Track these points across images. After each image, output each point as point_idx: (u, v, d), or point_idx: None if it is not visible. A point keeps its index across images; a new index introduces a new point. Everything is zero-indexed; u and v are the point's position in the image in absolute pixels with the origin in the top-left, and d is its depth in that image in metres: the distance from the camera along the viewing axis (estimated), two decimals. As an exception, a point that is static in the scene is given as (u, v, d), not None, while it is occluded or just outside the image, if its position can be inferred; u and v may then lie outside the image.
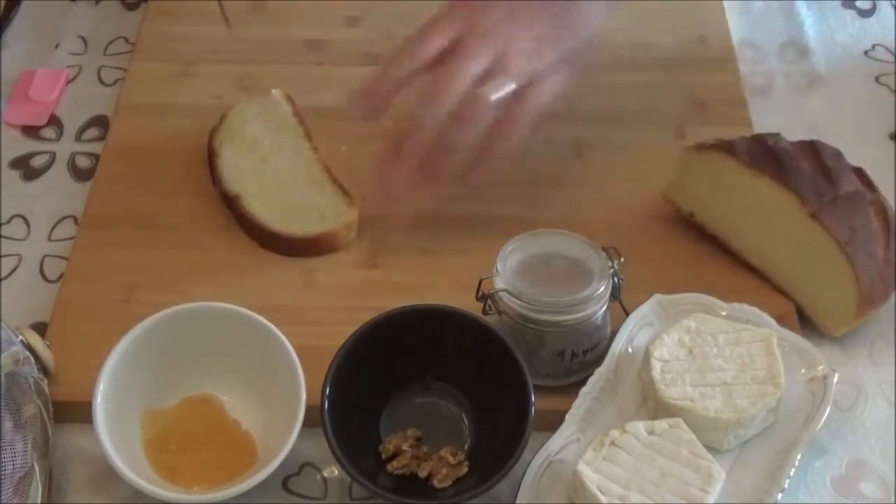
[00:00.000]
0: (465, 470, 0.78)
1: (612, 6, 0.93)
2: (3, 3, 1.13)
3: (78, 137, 1.03)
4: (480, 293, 0.82)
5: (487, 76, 0.85)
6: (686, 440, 0.76)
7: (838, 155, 0.90)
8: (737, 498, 0.76)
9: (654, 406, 0.80)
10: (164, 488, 0.76)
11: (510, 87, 0.85)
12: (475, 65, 0.85)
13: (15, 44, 1.11)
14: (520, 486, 0.76)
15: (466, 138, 0.85)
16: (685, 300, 0.86)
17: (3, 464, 0.73)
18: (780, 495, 0.76)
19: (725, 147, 0.90)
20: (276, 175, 0.94)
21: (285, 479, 0.80)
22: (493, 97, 0.84)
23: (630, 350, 0.84)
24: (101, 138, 1.02)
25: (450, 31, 0.86)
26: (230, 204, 0.93)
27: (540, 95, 0.87)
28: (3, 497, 0.73)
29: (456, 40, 0.86)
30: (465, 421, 0.81)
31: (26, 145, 1.02)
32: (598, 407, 0.81)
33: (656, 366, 0.80)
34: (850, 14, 1.16)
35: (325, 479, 0.81)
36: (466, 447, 0.80)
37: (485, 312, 0.82)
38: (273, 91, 1.00)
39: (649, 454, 0.75)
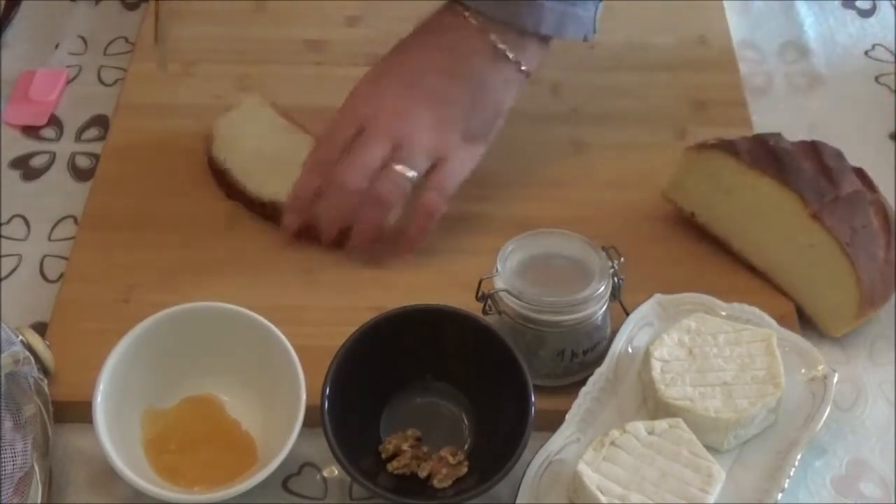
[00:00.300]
0: (465, 470, 0.78)
1: (527, 55, 0.89)
2: (3, 3, 1.13)
3: (78, 137, 1.03)
4: (480, 293, 0.82)
5: (386, 164, 0.87)
6: (686, 440, 0.76)
7: (839, 155, 0.90)
8: (737, 498, 0.76)
9: (654, 406, 0.80)
10: (164, 488, 0.76)
11: (410, 173, 0.87)
12: (373, 154, 0.87)
13: (15, 44, 1.11)
14: (520, 486, 0.76)
15: (379, 219, 0.88)
16: (685, 300, 0.86)
17: (3, 464, 0.73)
18: (780, 495, 0.76)
19: (726, 147, 0.90)
20: (294, 168, 0.94)
21: (285, 479, 0.80)
22: (399, 181, 0.87)
23: (630, 350, 0.84)
24: (101, 138, 1.02)
25: (350, 128, 0.88)
26: (261, 210, 0.93)
27: (444, 179, 0.89)
28: (3, 497, 0.73)
29: (356, 134, 0.88)
30: (465, 421, 0.81)
31: (26, 145, 1.02)
32: (598, 407, 0.81)
33: (656, 366, 0.80)
34: (850, 14, 1.16)
35: (325, 479, 0.81)
36: (466, 447, 0.80)
37: (485, 312, 0.82)
38: (246, 98, 0.99)
39: (649, 454, 0.75)
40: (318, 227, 0.90)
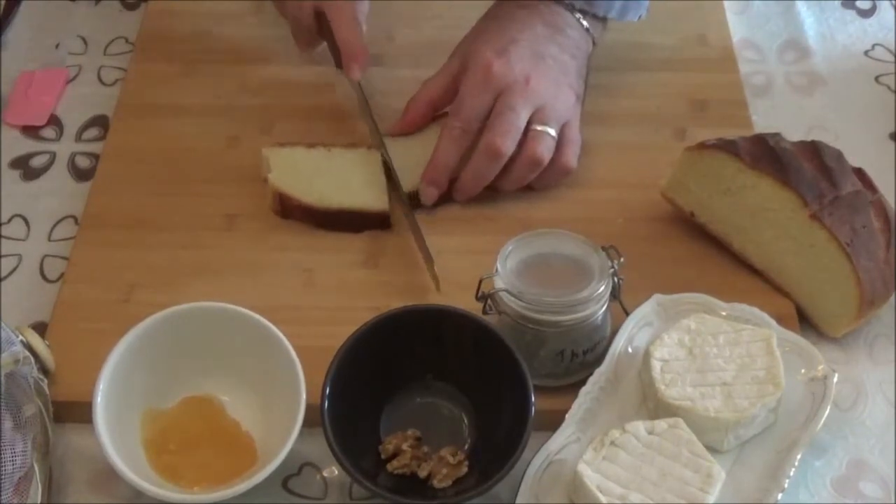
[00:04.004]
0: (465, 470, 0.78)
1: (596, 32, 1.01)
2: (3, 3, 1.13)
3: (78, 137, 1.03)
4: (480, 293, 0.82)
5: (528, 127, 0.93)
6: (686, 440, 0.76)
7: (839, 156, 0.90)
8: (737, 498, 0.76)
9: (654, 406, 0.80)
10: (164, 488, 0.76)
11: (553, 133, 0.94)
12: (522, 119, 0.92)
13: (15, 44, 1.11)
14: (520, 486, 0.76)
15: (530, 178, 0.95)
16: (685, 300, 0.86)
17: (3, 464, 0.73)
18: (780, 495, 0.76)
19: (726, 147, 0.90)
20: (347, 178, 0.95)
21: (285, 479, 0.80)
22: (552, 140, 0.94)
23: (630, 350, 0.84)
24: (101, 138, 1.02)
25: (489, 93, 0.93)
26: (331, 220, 0.93)
27: (573, 136, 0.96)
28: (3, 497, 0.73)
29: (492, 102, 0.93)
30: (465, 421, 0.82)
31: (26, 145, 1.02)
32: (598, 407, 0.81)
33: (656, 366, 0.80)
34: (850, 14, 1.16)
35: (325, 479, 0.81)
36: (466, 447, 0.80)
37: (485, 312, 0.82)
38: (263, 150, 0.96)
39: (649, 454, 0.75)
40: (461, 188, 0.94)
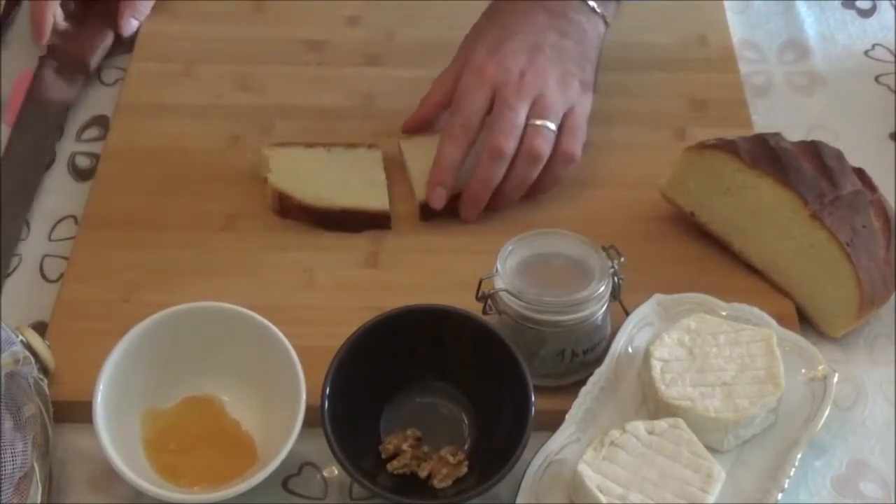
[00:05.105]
0: (465, 470, 0.78)
1: (608, 12, 0.99)
2: (2, 3, 1.13)
3: (78, 137, 1.03)
4: (480, 293, 0.82)
5: (528, 121, 0.92)
6: (686, 440, 0.76)
7: (839, 155, 0.90)
8: (737, 498, 0.76)
9: (654, 406, 0.80)
10: (164, 488, 0.76)
11: (553, 126, 0.93)
12: (521, 115, 0.92)
13: (15, 44, 1.11)
14: (520, 486, 0.76)
15: (532, 174, 0.93)
16: (685, 300, 0.86)
17: (3, 464, 0.73)
18: (780, 495, 0.76)
19: (726, 147, 0.90)
20: (347, 178, 0.95)
21: (285, 479, 0.80)
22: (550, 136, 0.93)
23: (630, 350, 0.84)
24: (101, 138, 1.02)
25: (484, 92, 0.92)
26: (331, 220, 0.93)
27: (577, 127, 0.95)
28: (3, 497, 0.73)
29: (490, 98, 0.92)
30: (465, 421, 0.81)
31: (26, 145, 1.02)
32: (598, 407, 0.81)
33: (656, 366, 0.80)
34: (850, 14, 1.16)
35: (325, 479, 0.81)
36: (466, 447, 0.80)
37: (485, 312, 0.82)
38: (263, 150, 0.97)
39: (649, 454, 0.75)
40: (470, 197, 0.93)
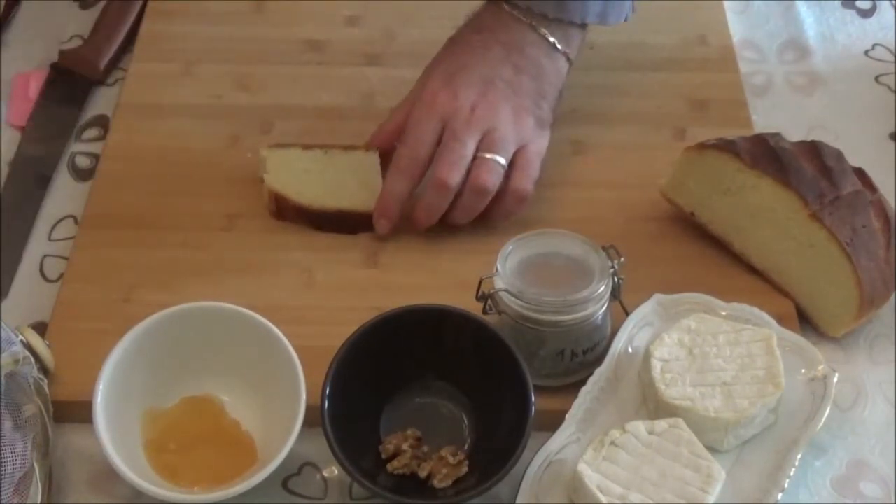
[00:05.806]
0: (465, 470, 0.78)
1: (571, 49, 0.96)
2: (3, 3, 1.13)
3: (78, 137, 1.03)
4: (480, 293, 0.82)
5: (477, 155, 0.90)
6: (686, 440, 0.76)
7: (839, 155, 0.90)
8: (737, 498, 0.76)
9: (654, 406, 0.80)
10: (164, 488, 0.76)
11: (502, 161, 0.91)
12: (469, 147, 0.90)
13: (15, 44, 1.11)
14: (520, 486, 0.76)
15: (479, 206, 0.91)
16: (685, 300, 0.86)
17: (3, 464, 0.73)
18: (780, 495, 0.76)
19: (726, 147, 0.90)
20: (342, 179, 0.95)
21: (285, 479, 0.80)
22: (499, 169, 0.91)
23: (630, 350, 0.84)
24: (101, 138, 1.02)
25: (433, 124, 0.91)
26: (327, 222, 0.93)
27: (529, 165, 0.92)
28: (3, 497, 0.73)
29: (440, 131, 0.91)
30: (465, 421, 0.81)
31: (26, 145, 1.02)
32: (598, 407, 0.81)
33: (656, 366, 0.80)
34: (850, 14, 1.16)
35: (325, 479, 0.81)
36: (466, 447, 0.80)
37: (485, 312, 0.82)
38: (261, 150, 0.96)
39: (649, 454, 0.75)
40: (414, 221, 0.92)
